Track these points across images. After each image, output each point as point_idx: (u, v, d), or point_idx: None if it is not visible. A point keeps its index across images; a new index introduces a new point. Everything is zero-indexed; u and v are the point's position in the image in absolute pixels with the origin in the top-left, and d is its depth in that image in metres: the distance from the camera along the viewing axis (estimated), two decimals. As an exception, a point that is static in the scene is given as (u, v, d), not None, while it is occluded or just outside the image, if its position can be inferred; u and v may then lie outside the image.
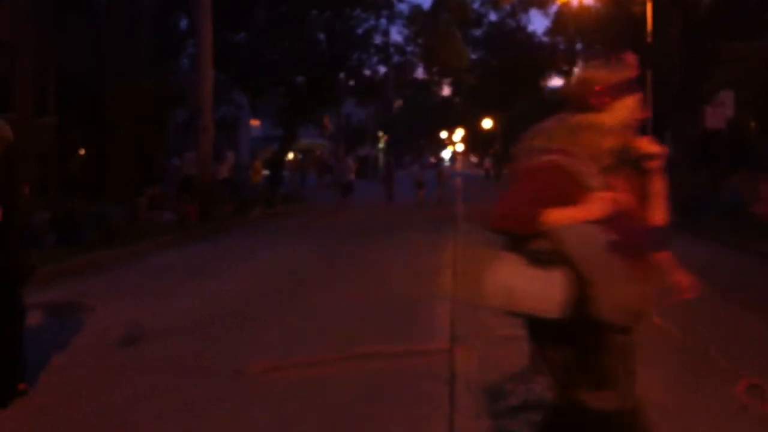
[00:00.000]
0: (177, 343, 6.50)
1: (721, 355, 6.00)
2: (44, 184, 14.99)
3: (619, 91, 2.69)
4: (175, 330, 6.94)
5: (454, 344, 6.33)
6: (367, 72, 31.90)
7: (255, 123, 47.89)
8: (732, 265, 11.78)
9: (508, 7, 43.59)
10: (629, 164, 2.73)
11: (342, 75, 30.40)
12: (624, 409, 2.77)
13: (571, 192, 2.58)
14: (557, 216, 2.55)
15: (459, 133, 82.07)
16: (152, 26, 19.26)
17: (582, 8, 33.09)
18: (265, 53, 26.56)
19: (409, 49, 32.03)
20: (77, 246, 11.82)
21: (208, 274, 10.50)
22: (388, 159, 30.49)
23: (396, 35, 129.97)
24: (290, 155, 36.11)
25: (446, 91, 61.81)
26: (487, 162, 50.90)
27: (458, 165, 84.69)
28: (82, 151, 19.28)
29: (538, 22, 77.48)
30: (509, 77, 41.60)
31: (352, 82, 31.71)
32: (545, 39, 43.67)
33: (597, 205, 2.57)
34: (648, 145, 2.77)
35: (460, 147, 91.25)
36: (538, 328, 2.71)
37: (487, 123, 58.89)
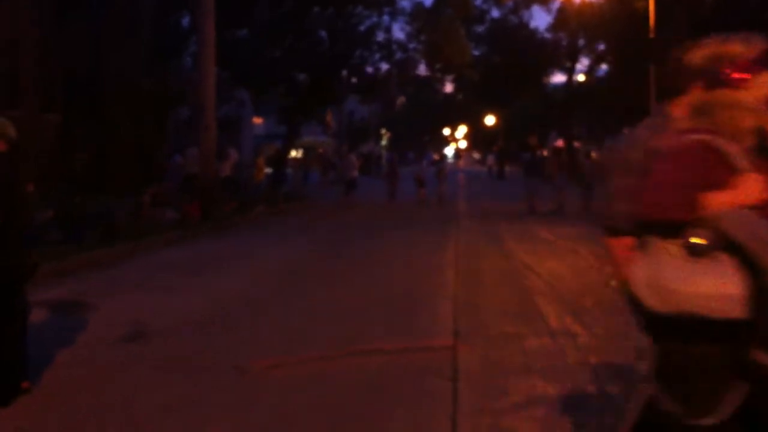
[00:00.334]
0: (179, 340, 6.51)
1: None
2: (48, 182, 15.02)
3: (757, 65, 2.47)
4: (177, 327, 6.94)
5: (457, 341, 6.33)
6: (370, 69, 31.89)
7: (258, 121, 47.94)
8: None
9: (510, 3, 43.52)
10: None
11: (344, 72, 30.38)
12: None
13: (721, 174, 2.34)
14: (718, 200, 2.30)
15: (462, 129, 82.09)
16: (153, 25, 19.26)
17: (584, 4, 33.02)
18: (267, 51, 26.55)
19: (412, 46, 31.95)
20: (80, 244, 11.83)
21: (210, 272, 10.50)
22: (390, 156, 30.49)
23: (398, 32, 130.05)
24: (293, 153, 36.10)
25: (449, 87, 61.78)
26: (490, 159, 50.87)
27: (462, 162, 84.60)
28: (84, 148, 19.28)
29: (540, 19, 78.05)
30: (512, 74, 41.53)
31: (354, 80, 31.69)
32: (548, 35, 43.62)
33: (754, 188, 2.33)
34: None
35: (463, 144, 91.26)
36: (681, 326, 2.36)
37: (489, 120, 58.89)
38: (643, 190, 2.43)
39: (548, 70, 45.18)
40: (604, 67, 39.83)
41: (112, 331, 6.78)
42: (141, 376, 5.41)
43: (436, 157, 36.03)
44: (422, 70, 37.47)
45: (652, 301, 2.37)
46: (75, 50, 16.74)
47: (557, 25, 40.88)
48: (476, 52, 43.69)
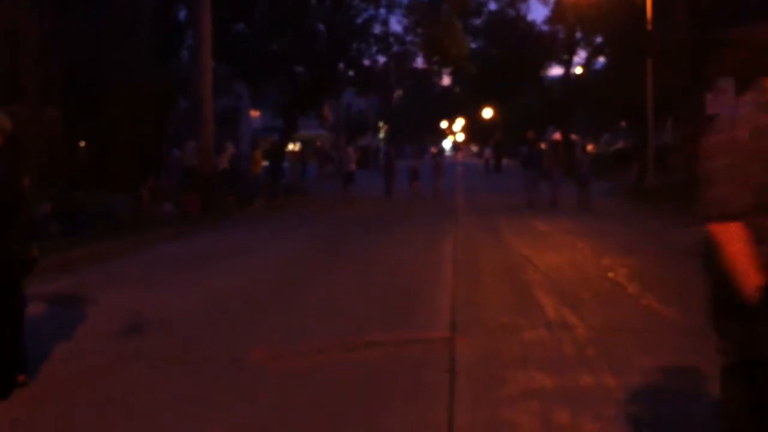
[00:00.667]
0: (178, 333, 6.52)
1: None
2: (48, 176, 15.05)
3: None
4: (177, 320, 6.96)
5: (455, 333, 6.35)
6: (367, 62, 31.80)
7: (255, 114, 47.85)
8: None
9: (508, -4, 43.48)
10: None
11: (341, 65, 30.30)
12: None
13: None
14: None
15: (459, 122, 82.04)
16: (153, 21, 19.22)
17: (581, -4, 32.95)
18: (265, 44, 26.49)
19: (409, 39, 31.88)
20: (79, 237, 11.84)
21: (209, 267, 10.52)
22: (387, 149, 30.46)
23: (395, 25, 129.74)
24: (290, 146, 36.05)
25: (446, 81, 61.71)
26: (487, 152, 50.79)
27: (460, 155, 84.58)
28: (83, 144, 19.27)
29: (537, 12, 77.95)
30: (509, 67, 41.49)
31: (351, 73, 31.60)
32: (545, 28, 43.54)
33: None
34: None
35: (460, 137, 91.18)
36: None
37: (487, 113, 58.79)
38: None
39: (545, 63, 45.12)
40: (601, 60, 39.78)
41: (112, 325, 6.79)
42: (140, 371, 5.43)
43: (434, 150, 35.89)
44: (419, 63, 37.41)
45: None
46: (75, 45, 16.72)
47: (554, 17, 40.79)
48: (474, 45, 43.62)
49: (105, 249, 11.62)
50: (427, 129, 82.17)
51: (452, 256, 11.24)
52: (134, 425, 4.36)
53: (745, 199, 2.43)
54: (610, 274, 9.21)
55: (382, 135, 64.20)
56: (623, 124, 42.35)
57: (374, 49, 31.22)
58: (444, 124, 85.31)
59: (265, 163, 25.96)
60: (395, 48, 31.91)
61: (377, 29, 30.73)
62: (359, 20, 30.06)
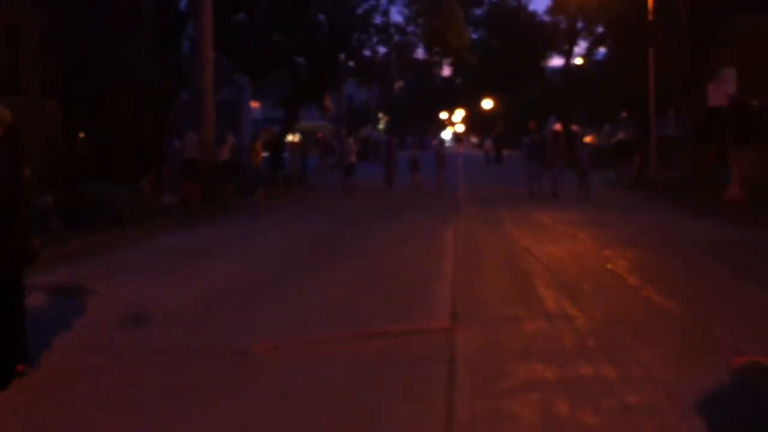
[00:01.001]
0: (179, 324, 6.54)
1: (722, 330, 6.02)
2: (49, 167, 15.07)
3: None
4: (178, 311, 6.97)
5: (456, 324, 6.36)
6: (368, 53, 31.74)
7: (255, 105, 47.79)
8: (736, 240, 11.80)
9: (509, -14, 43.33)
10: None
11: (342, 56, 30.24)
12: None
13: None
14: None
15: (459, 114, 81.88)
16: (154, 15, 19.19)
17: (583, -15, 32.85)
18: (266, 35, 26.43)
19: (410, 29, 31.81)
20: (80, 228, 11.85)
21: (210, 257, 10.53)
22: (388, 139, 30.37)
23: (396, 16, 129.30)
24: (291, 137, 36.02)
25: (447, 71, 61.53)
26: (488, 143, 50.70)
27: (461, 147, 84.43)
28: (82, 135, 19.26)
29: (538, 2, 77.48)
30: (510, 57, 41.38)
31: (352, 64, 31.54)
32: (546, 18, 43.43)
33: None
34: None
35: (460, 128, 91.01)
36: None
37: (487, 104, 58.65)
38: None
39: (547, 54, 45.01)
40: (602, 50, 39.68)
41: (113, 314, 6.80)
42: (140, 362, 5.43)
43: (434, 142, 35.76)
44: (420, 54, 37.35)
45: None
46: (76, 41, 16.70)
47: (556, 7, 40.67)
48: (475, 36, 43.50)
49: (106, 241, 11.62)
50: (428, 120, 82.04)
51: (453, 247, 11.24)
52: (134, 416, 4.37)
53: None
54: (609, 266, 9.21)
55: (382, 126, 64.11)
56: (624, 115, 42.26)
57: (375, 39, 31.14)
58: (444, 116, 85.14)
59: (265, 154, 25.92)
60: (396, 39, 31.82)
61: (378, 20, 30.65)
62: (360, 11, 29.98)
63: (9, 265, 4.81)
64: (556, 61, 47.75)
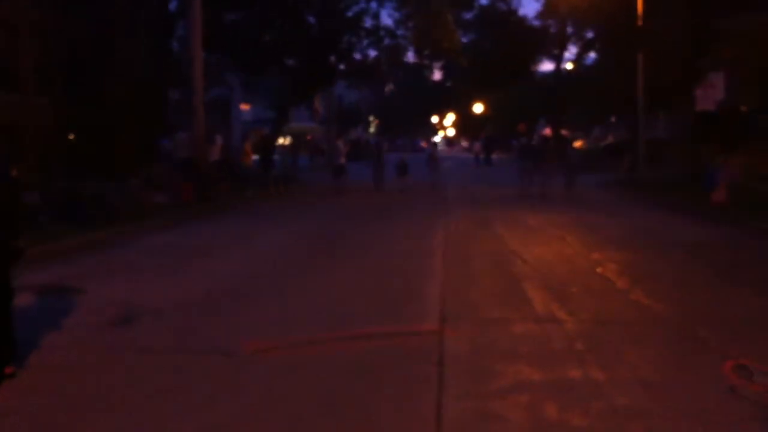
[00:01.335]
0: (169, 324, 6.51)
1: (710, 333, 6.05)
2: (43, 164, 15.05)
3: None
4: (168, 311, 6.95)
5: (445, 326, 6.36)
6: (358, 56, 31.71)
7: (245, 107, 47.73)
8: (724, 241, 11.86)
9: (499, -10, 43.37)
10: None
11: (332, 58, 30.20)
12: None
13: None
14: None
15: (450, 117, 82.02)
16: (150, 15, 19.18)
17: (573, -11, 32.93)
18: (257, 34, 26.38)
19: (400, 32, 31.75)
20: (72, 226, 11.82)
21: (201, 255, 10.51)
22: (377, 141, 30.31)
23: (386, 19, 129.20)
24: (281, 140, 35.98)
25: (438, 75, 61.67)
26: (477, 146, 50.82)
27: (450, 149, 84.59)
28: (76, 134, 19.23)
29: (529, 6, 77.72)
30: (500, 61, 41.47)
31: (342, 66, 31.51)
32: (536, 22, 43.56)
33: None
34: None
35: (451, 131, 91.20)
36: None
37: (477, 107, 58.75)
38: None
39: (537, 58, 45.13)
40: (592, 55, 39.87)
41: (104, 313, 6.79)
42: (130, 361, 5.41)
43: (423, 144, 35.83)
44: (410, 56, 37.31)
45: None
46: (74, 36, 16.67)
47: (546, 12, 40.80)
48: (465, 39, 43.54)
49: (98, 238, 11.61)
50: (418, 122, 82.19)
51: (442, 248, 11.24)
52: (122, 416, 4.36)
53: None
54: (599, 270, 9.23)
55: (372, 129, 64.13)
56: (613, 119, 42.44)
57: (365, 42, 31.10)
58: (435, 119, 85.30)
59: (255, 157, 25.88)
60: (386, 41, 31.77)
61: (368, 23, 30.61)
62: (350, 13, 29.95)
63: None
64: (547, 66, 47.99)
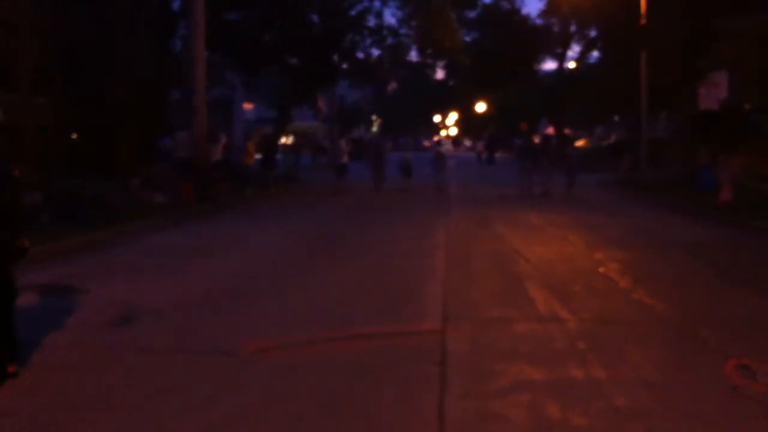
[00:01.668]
0: (171, 323, 6.51)
1: (711, 333, 6.03)
2: (43, 164, 15.05)
3: None
4: (170, 310, 6.94)
5: (446, 325, 6.35)
6: (361, 55, 31.69)
7: (248, 106, 47.77)
8: (724, 242, 11.84)
9: (502, -11, 43.31)
10: None
11: (335, 57, 30.20)
12: None
13: None
14: None
15: (453, 116, 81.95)
16: (151, 15, 19.19)
17: (576, -12, 32.88)
18: (258, 34, 26.38)
19: (403, 31, 31.73)
20: (73, 225, 11.82)
21: (201, 255, 10.50)
22: (376, 141, 30.19)
23: (390, 18, 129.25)
24: (283, 139, 35.98)
25: (440, 74, 61.59)
26: (479, 145, 50.83)
27: (454, 148, 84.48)
28: (78, 133, 19.25)
29: (532, 5, 77.80)
30: (503, 60, 41.41)
31: (345, 65, 31.51)
32: (539, 21, 43.50)
33: None
34: None
35: (453, 131, 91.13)
36: None
37: (480, 106, 58.68)
38: None
39: (540, 57, 45.07)
40: (595, 54, 39.82)
41: (105, 312, 6.79)
42: (130, 360, 5.41)
43: (426, 144, 35.81)
44: (413, 55, 37.29)
45: None
46: (74, 36, 16.69)
47: (549, 10, 40.74)
48: (467, 38, 43.50)
49: (97, 237, 11.60)
50: (421, 122, 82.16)
51: (444, 247, 11.22)
52: (122, 416, 4.35)
53: None
54: (601, 269, 9.22)
55: (375, 128, 64.12)
56: (616, 118, 42.37)
57: (368, 41, 31.09)
58: (437, 118, 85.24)
59: (258, 156, 25.87)
60: (389, 40, 31.76)
61: (372, 21, 30.60)
62: (353, 12, 29.94)
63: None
64: (549, 65, 47.94)
